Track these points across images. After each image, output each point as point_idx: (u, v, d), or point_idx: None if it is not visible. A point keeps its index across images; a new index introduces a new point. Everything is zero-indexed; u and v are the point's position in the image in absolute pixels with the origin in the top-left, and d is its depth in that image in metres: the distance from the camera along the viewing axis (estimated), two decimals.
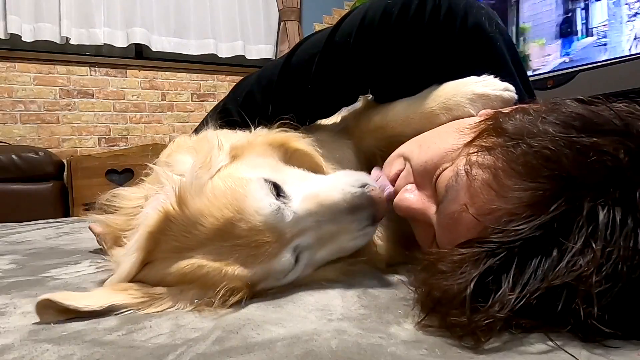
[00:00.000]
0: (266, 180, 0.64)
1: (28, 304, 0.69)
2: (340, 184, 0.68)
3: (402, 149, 0.78)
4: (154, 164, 0.79)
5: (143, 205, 0.69)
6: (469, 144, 0.61)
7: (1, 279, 0.89)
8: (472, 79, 0.81)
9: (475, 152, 0.58)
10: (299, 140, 0.77)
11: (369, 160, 0.91)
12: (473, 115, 0.78)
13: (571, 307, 0.45)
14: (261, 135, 0.77)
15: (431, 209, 0.66)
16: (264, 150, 0.74)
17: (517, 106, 0.68)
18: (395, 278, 0.74)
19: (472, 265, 0.50)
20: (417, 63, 0.87)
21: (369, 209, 0.67)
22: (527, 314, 0.47)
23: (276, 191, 0.64)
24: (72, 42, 3.60)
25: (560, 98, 0.60)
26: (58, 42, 3.54)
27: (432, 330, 0.52)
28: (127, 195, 0.74)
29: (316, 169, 0.77)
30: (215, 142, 0.72)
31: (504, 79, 0.81)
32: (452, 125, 0.74)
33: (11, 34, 3.35)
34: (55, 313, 0.58)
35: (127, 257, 0.63)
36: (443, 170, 0.63)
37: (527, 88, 0.90)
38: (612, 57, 2.24)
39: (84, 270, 0.95)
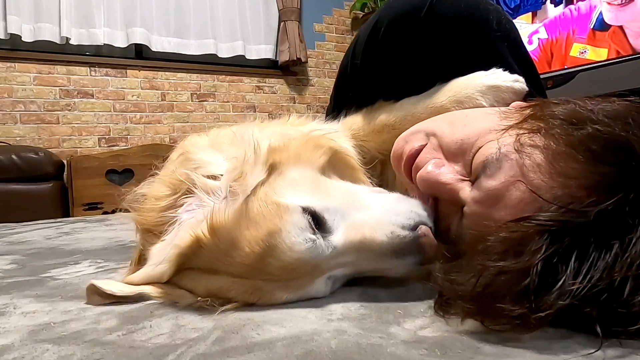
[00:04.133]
0: (305, 210, 0.60)
1: (28, 304, 0.69)
2: (388, 220, 0.62)
3: (424, 125, 0.75)
4: (162, 164, 0.78)
5: (174, 204, 0.68)
6: (517, 125, 0.59)
7: (1, 279, 0.89)
8: (481, 72, 0.81)
9: (526, 133, 0.56)
10: (334, 141, 0.75)
11: (371, 166, 0.90)
12: (485, 107, 0.77)
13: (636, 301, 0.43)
14: (297, 137, 0.74)
15: (461, 184, 0.63)
16: (302, 155, 0.69)
17: (561, 97, 0.66)
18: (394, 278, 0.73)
19: (535, 244, 0.46)
20: (422, 66, 0.87)
21: (418, 256, 0.61)
22: (585, 303, 0.44)
23: (315, 221, 0.60)
24: (72, 42, 3.60)
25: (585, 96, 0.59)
26: (58, 42, 3.54)
27: (432, 330, 0.52)
28: (154, 194, 0.72)
29: (354, 175, 0.75)
30: (252, 143, 0.68)
31: (513, 71, 0.81)
32: (488, 108, 0.72)
33: (11, 34, 3.35)
34: (100, 297, 0.66)
35: (158, 265, 0.63)
36: (483, 146, 0.60)
37: (537, 86, 0.89)
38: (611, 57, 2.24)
39: (84, 270, 0.95)
